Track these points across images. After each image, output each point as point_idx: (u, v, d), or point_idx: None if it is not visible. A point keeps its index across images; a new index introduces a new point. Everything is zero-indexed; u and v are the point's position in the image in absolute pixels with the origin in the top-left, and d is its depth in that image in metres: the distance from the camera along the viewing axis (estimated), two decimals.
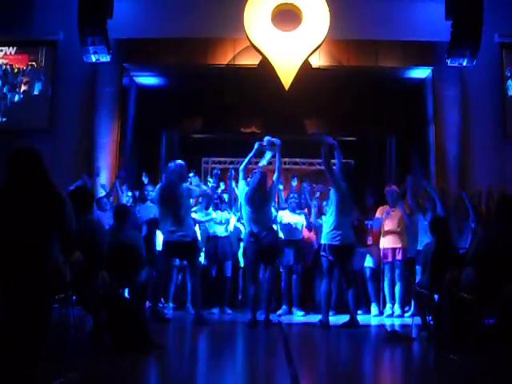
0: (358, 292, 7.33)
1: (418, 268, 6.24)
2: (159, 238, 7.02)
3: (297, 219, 7.34)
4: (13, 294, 3.23)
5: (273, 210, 6.80)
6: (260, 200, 5.99)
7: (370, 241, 7.35)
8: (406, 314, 6.86)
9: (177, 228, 5.90)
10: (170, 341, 5.16)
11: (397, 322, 6.61)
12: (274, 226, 6.64)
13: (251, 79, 8.60)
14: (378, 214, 7.28)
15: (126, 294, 5.47)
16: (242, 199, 6.20)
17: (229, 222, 7.35)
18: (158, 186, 6.18)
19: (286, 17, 8.35)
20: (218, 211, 7.30)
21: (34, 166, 3.42)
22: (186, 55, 8.73)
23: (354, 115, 10.24)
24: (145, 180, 7.86)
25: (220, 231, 7.25)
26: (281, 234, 7.14)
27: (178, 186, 5.94)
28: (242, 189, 6.15)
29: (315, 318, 6.37)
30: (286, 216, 7.30)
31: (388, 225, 7.16)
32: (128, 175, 8.47)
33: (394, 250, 7.05)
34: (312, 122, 10.94)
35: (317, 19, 8.18)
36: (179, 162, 6.12)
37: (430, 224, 5.56)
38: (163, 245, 6.15)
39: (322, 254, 6.04)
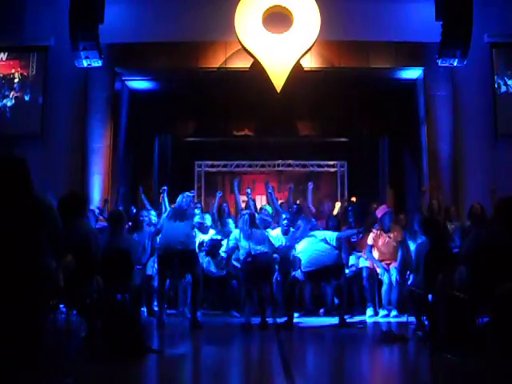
0: (353, 293, 7.35)
1: None
2: None
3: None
4: (6, 301, 3.21)
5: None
6: (254, 230, 6.29)
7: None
8: (402, 315, 6.85)
9: (181, 240, 6.12)
10: (166, 345, 5.15)
11: (392, 322, 6.61)
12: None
13: (243, 82, 8.62)
14: (369, 241, 6.95)
15: (121, 299, 5.46)
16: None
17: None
18: (176, 204, 6.50)
19: (277, 19, 8.36)
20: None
21: (16, 173, 3.34)
22: (177, 59, 8.74)
23: (346, 116, 10.28)
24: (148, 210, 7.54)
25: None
26: None
27: (189, 208, 6.43)
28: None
29: (309, 321, 6.38)
30: (277, 236, 6.98)
31: (382, 253, 6.93)
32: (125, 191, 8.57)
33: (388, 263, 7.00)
34: (304, 123, 10.98)
35: (307, 21, 8.20)
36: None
37: (422, 224, 5.56)
38: (164, 255, 6.20)
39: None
